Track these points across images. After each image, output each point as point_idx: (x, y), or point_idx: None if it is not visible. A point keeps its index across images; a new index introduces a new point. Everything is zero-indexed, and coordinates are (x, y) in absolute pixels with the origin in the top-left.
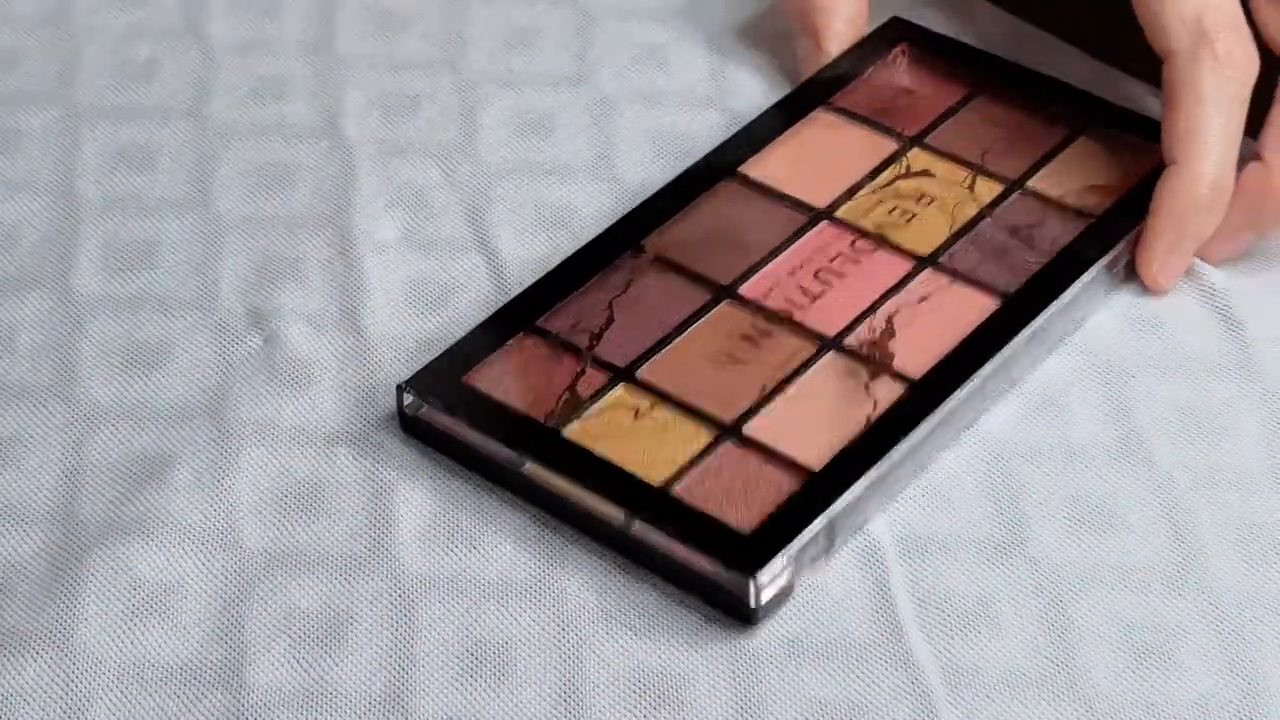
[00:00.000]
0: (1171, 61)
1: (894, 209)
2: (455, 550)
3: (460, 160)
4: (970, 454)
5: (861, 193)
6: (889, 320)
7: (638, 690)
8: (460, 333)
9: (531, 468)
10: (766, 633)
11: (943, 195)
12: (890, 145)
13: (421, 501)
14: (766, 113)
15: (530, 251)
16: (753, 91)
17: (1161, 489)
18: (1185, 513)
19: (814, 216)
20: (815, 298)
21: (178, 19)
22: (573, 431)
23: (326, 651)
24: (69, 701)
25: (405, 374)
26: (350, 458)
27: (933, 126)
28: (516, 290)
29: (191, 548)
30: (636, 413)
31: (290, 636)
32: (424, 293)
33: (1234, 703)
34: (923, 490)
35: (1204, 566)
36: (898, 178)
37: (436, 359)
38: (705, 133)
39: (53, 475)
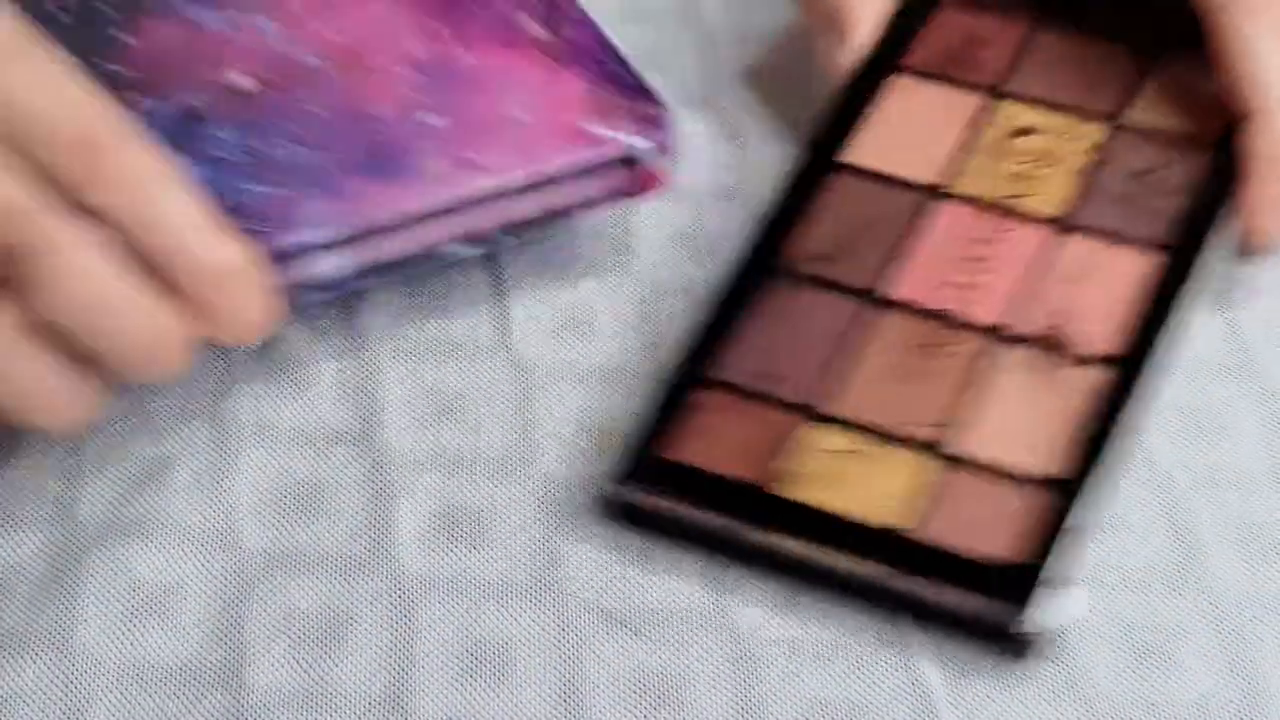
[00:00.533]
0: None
1: (1014, 176)
2: (455, 550)
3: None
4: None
5: (971, 161)
6: (1061, 301)
7: (638, 690)
8: (460, 332)
9: (760, 537)
10: (767, 633)
11: (1055, 151)
12: (973, 100)
13: (421, 501)
14: (840, 90)
15: (531, 253)
16: (749, 96)
17: (1161, 489)
18: (1185, 513)
19: (932, 195)
20: (973, 289)
21: None
22: (789, 489)
23: (326, 652)
24: (69, 703)
25: (404, 372)
26: (349, 458)
27: (1009, 72)
28: (513, 289)
29: (191, 548)
30: (844, 453)
31: (290, 637)
32: (420, 290)
33: (1234, 702)
34: None
35: (1204, 566)
36: (1004, 138)
37: (626, 441)
38: (701, 136)
39: (52, 476)
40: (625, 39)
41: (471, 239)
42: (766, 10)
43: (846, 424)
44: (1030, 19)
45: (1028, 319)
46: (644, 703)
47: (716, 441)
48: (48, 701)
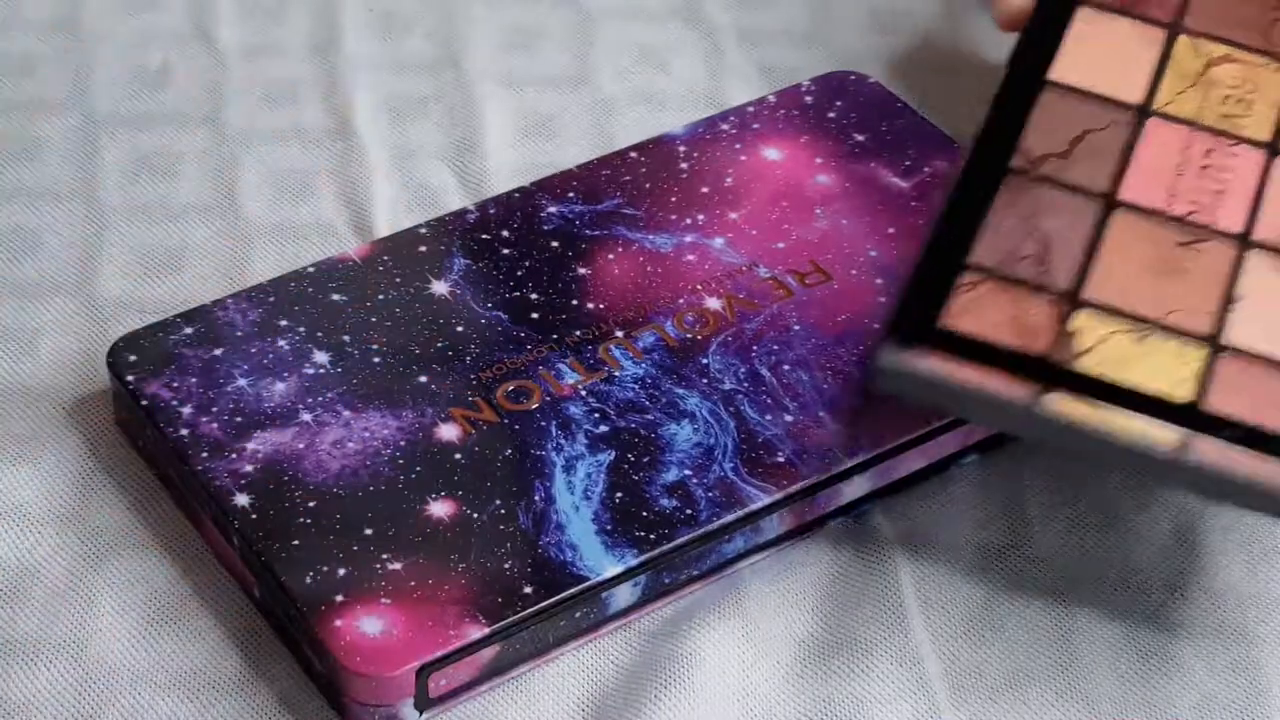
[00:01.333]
0: None
1: (1225, 99)
2: None
3: (470, 161)
4: (975, 456)
5: (1171, 86)
6: None
7: (641, 689)
8: None
9: (1051, 405)
10: (771, 631)
11: (1257, 79)
12: (1158, 34)
13: None
14: (1034, 18)
15: None
16: (753, 91)
17: (1163, 490)
18: (1185, 513)
19: (1145, 114)
20: (1213, 198)
21: (186, 23)
22: (1082, 365)
23: None
24: (80, 707)
25: None
26: None
27: (1184, 11)
28: None
29: (208, 557)
30: (1117, 335)
31: None
32: None
33: (1235, 703)
34: (929, 488)
35: (1204, 567)
36: (1204, 66)
37: (900, 308)
38: None
39: (68, 479)
40: (626, 37)
41: (980, 447)
42: (769, 9)
43: (1113, 310)
44: None
45: (1267, 230)
46: (647, 701)
47: (989, 319)
48: (59, 706)
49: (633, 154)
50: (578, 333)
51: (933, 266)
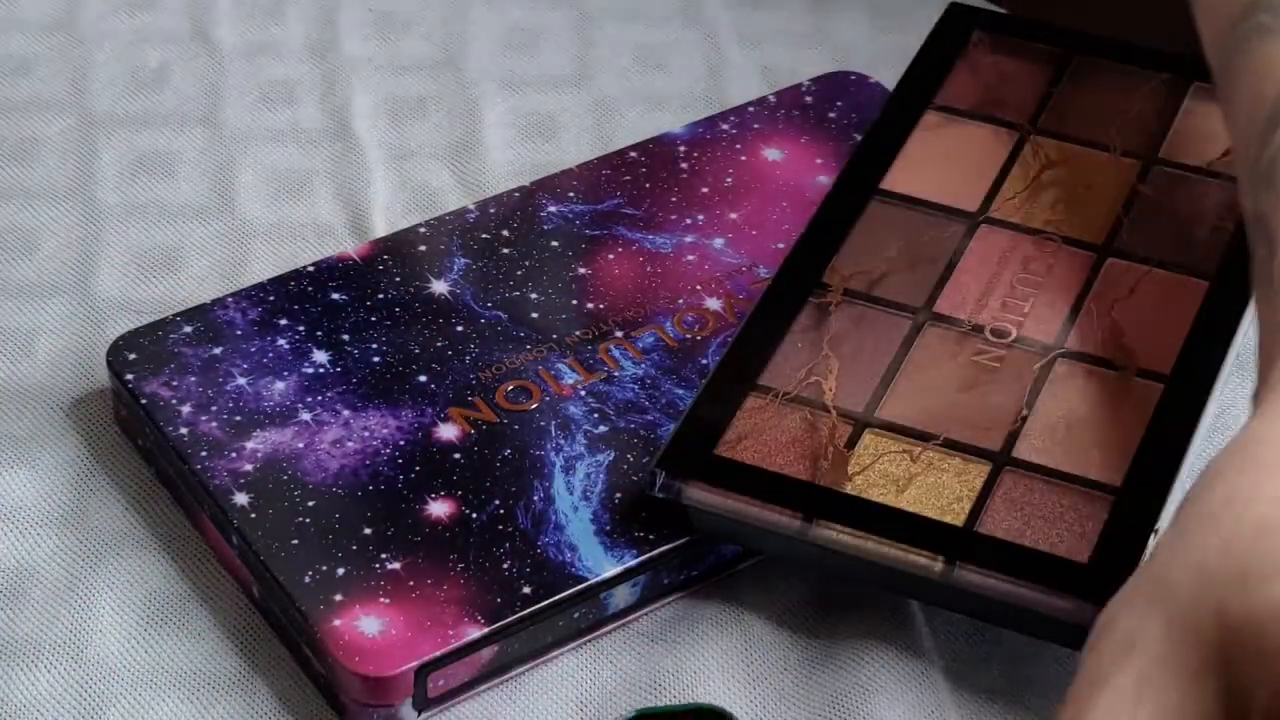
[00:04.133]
0: None
1: (1055, 202)
2: None
3: (469, 162)
4: None
5: (1009, 189)
6: (1112, 318)
7: (641, 689)
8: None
9: (819, 532)
10: (769, 633)
11: (1095, 181)
12: (1009, 136)
13: None
14: (875, 124)
15: None
16: (753, 91)
17: None
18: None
19: (974, 221)
20: (1026, 307)
21: (184, 23)
22: (854, 487)
23: None
24: (80, 707)
25: None
26: None
27: (1040, 109)
28: None
29: (207, 556)
30: (903, 456)
31: None
32: None
33: None
34: None
35: None
36: (1043, 169)
37: (674, 436)
38: None
39: (67, 479)
40: (626, 37)
41: None
42: (769, 9)
43: (905, 430)
44: (1056, 60)
45: (1080, 336)
46: (651, 698)
47: (772, 444)
48: (60, 706)
49: (633, 154)
50: (577, 333)
51: (718, 391)
